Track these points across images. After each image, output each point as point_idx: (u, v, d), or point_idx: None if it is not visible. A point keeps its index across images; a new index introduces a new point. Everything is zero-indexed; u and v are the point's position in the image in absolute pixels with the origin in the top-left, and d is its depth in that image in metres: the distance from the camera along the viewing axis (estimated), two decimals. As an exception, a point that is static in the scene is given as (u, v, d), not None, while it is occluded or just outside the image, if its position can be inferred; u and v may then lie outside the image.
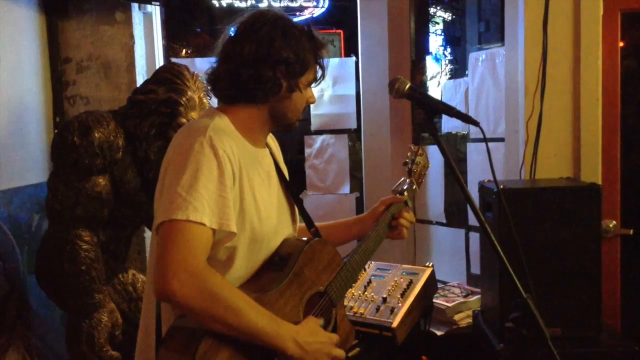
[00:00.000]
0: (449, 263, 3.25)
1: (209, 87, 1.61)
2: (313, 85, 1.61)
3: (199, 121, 1.51)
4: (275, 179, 1.64)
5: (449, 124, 3.36)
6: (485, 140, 1.53)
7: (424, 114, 1.56)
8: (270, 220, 1.54)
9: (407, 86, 1.59)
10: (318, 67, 1.58)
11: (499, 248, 1.43)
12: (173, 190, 1.36)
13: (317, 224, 1.80)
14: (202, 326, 1.35)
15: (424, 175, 2.07)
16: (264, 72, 1.48)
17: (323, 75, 1.61)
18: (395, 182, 2.03)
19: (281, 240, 1.61)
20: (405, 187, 1.95)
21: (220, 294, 1.34)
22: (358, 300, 2.45)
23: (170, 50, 3.63)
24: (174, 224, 1.33)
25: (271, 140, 1.72)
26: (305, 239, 1.66)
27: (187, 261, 1.31)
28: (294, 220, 1.72)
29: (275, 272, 1.54)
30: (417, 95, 1.60)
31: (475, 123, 1.49)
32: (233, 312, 1.34)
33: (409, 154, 2.02)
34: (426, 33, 3.89)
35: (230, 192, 1.40)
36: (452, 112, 1.52)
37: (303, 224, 1.78)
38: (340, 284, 1.67)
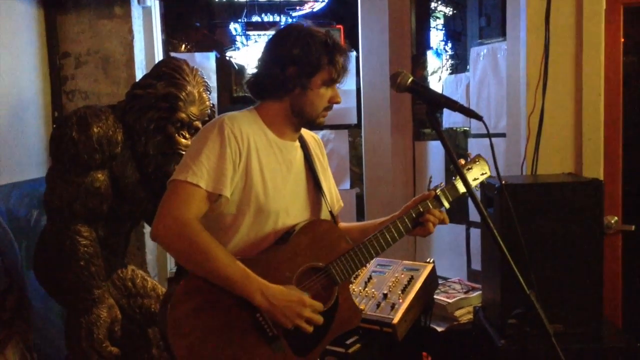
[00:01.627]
0: (450, 259, 3.24)
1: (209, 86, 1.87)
2: (337, 86, 1.78)
3: (227, 112, 1.77)
4: (299, 170, 1.82)
5: (449, 119, 3.34)
6: (488, 135, 1.52)
7: (427, 108, 1.55)
8: (278, 199, 1.73)
9: (410, 80, 1.58)
10: (333, 68, 1.72)
11: (501, 244, 1.42)
12: (183, 160, 1.68)
13: (349, 224, 2.00)
14: (183, 267, 1.63)
15: (475, 181, 1.93)
16: (275, 71, 1.72)
17: (339, 76, 1.76)
18: (395, 177, 2.00)
19: (295, 221, 1.78)
20: (441, 187, 1.87)
21: (198, 241, 1.59)
22: (359, 297, 2.44)
23: (169, 44, 3.61)
24: (175, 182, 1.64)
25: (313, 140, 1.94)
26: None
27: (175, 210, 1.60)
28: (312, 209, 1.85)
29: (277, 244, 1.74)
30: (420, 88, 1.59)
31: (479, 117, 1.48)
32: (206, 257, 1.58)
33: (461, 159, 1.91)
34: (427, 28, 3.88)
35: (231, 164, 1.65)
36: (456, 106, 1.51)
37: (346, 225, 1.97)
38: (345, 265, 1.76)
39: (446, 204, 1.86)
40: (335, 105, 1.81)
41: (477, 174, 1.93)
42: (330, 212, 1.89)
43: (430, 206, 1.83)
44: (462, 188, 1.86)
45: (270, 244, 1.74)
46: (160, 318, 1.74)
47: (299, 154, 1.84)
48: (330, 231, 1.81)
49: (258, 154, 1.71)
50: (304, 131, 1.90)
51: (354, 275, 2.49)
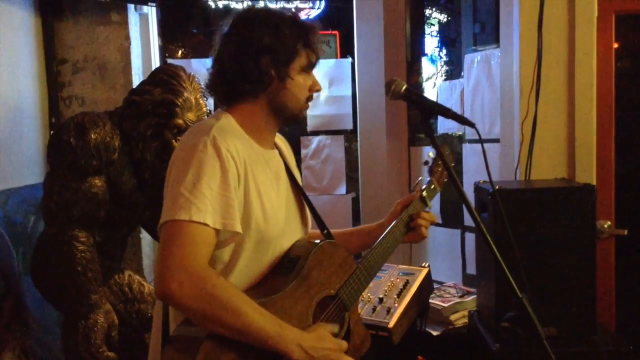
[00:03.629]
0: (445, 263, 3.26)
1: (207, 92, 1.60)
2: (313, 71, 1.57)
3: (205, 122, 1.52)
4: (285, 181, 1.62)
5: (444, 125, 3.37)
6: (481, 141, 1.54)
7: (420, 115, 1.57)
8: (277, 221, 1.52)
9: (404, 87, 1.59)
10: (310, 51, 1.53)
11: (494, 248, 1.44)
12: (176, 191, 1.36)
13: (335, 230, 1.79)
14: (204, 328, 1.33)
15: (446, 175, 1.96)
16: (247, 64, 1.47)
17: (317, 59, 1.56)
18: (391, 183, 2.02)
19: (290, 243, 1.58)
20: (423, 187, 1.90)
21: (220, 295, 1.31)
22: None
23: (166, 51, 3.63)
24: (177, 224, 1.33)
25: (282, 143, 1.72)
26: (316, 241, 1.62)
27: (187, 262, 1.31)
28: (304, 224, 1.69)
29: (283, 275, 1.51)
30: (413, 96, 1.60)
31: (471, 124, 1.50)
32: (233, 314, 1.31)
33: (430, 153, 1.95)
34: (422, 34, 3.90)
35: (234, 192, 1.39)
36: (448, 113, 1.53)
37: (317, 230, 1.74)
38: (353, 287, 1.62)
39: (430, 205, 1.87)
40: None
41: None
42: (318, 217, 1.72)
43: (419, 208, 1.83)
44: (439, 186, 1.93)
45: (269, 273, 1.53)
46: None
47: (280, 163, 1.62)
48: (335, 253, 1.62)
49: (253, 172, 1.47)
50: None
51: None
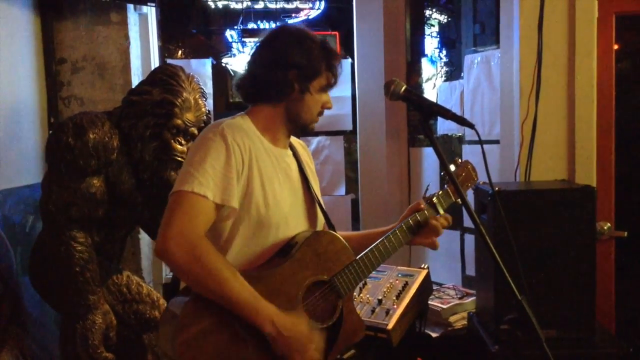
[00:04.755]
0: (444, 265, 3.25)
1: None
2: (329, 91, 1.76)
3: (221, 120, 1.71)
4: (295, 179, 1.79)
5: (444, 126, 3.36)
6: (480, 142, 1.53)
7: (420, 116, 1.56)
8: (278, 210, 1.68)
9: (403, 88, 1.60)
10: (330, 74, 1.73)
11: (493, 250, 1.43)
12: (185, 169, 1.60)
13: (348, 232, 1.94)
14: (191, 289, 1.54)
15: (465, 187, 2.00)
16: (276, 74, 1.68)
17: (335, 82, 1.75)
18: (390, 183, 2.02)
19: (293, 233, 1.73)
20: (435, 195, 1.90)
21: (208, 261, 1.50)
22: (354, 302, 2.45)
23: (165, 51, 3.62)
24: (181, 194, 1.55)
25: (302, 148, 1.92)
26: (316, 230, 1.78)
27: (185, 226, 1.50)
28: (311, 221, 1.82)
29: (280, 258, 1.68)
30: (413, 97, 1.60)
31: (471, 125, 1.50)
32: (216, 279, 1.49)
33: (452, 165, 1.93)
34: (422, 35, 3.90)
35: (236, 174, 1.59)
36: (448, 114, 1.52)
37: (343, 233, 1.87)
38: (348, 277, 1.73)
39: (441, 211, 1.88)
40: (330, 112, 1.82)
41: (467, 181, 1.97)
42: (328, 219, 1.85)
43: (430, 214, 1.85)
44: (453, 195, 1.91)
45: (270, 257, 1.69)
46: (164, 340, 1.66)
47: (293, 162, 1.81)
48: (333, 243, 1.75)
49: (258, 163, 1.66)
50: (293, 139, 1.88)
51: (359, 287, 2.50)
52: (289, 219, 1.72)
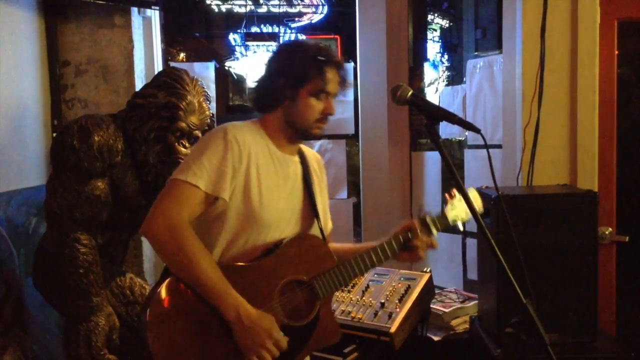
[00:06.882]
0: (446, 269, 3.26)
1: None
2: (330, 97, 1.79)
3: (231, 122, 1.80)
4: (297, 186, 1.84)
5: (446, 130, 3.37)
6: (486, 146, 1.54)
7: (426, 120, 1.57)
8: (272, 209, 1.74)
9: (410, 93, 1.61)
10: (320, 79, 1.75)
11: (499, 254, 1.44)
12: (184, 161, 1.73)
13: (339, 244, 1.97)
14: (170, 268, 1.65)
15: (463, 217, 1.95)
16: (265, 83, 1.81)
17: (327, 87, 1.76)
18: (392, 188, 2.02)
19: (284, 234, 1.79)
20: (431, 215, 1.90)
21: (186, 245, 1.60)
22: (356, 305, 2.46)
23: (168, 54, 3.64)
24: (174, 181, 1.66)
25: (314, 159, 1.95)
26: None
27: (170, 210, 1.62)
28: (305, 227, 1.85)
29: (266, 255, 1.74)
30: (419, 102, 1.61)
31: (477, 130, 1.50)
32: (191, 263, 1.60)
33: (454, 191, 1.93)
34: (424, 39, 3.92)
35: (231, 168, 1.67)
36: (454, 119, 1.53)
37: (336, 245, 1.94)
38: (328, 281, 1.77)
39: (434, 232, 1.89)
40: (333, 116, 1.83)
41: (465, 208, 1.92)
42: (321, 230, 1.88)
43: (418, 232, 1.85)
44: (451, 217, 1.92)
45: (257, 256, 1.74)
46: (141, 312, 1.76)
47: (297, 169, 1.85)
48: (317, 247, 1.81)
49: (258, 163, 1.73)
50: (307, 149, 1.93)
51: (351, 285, 2.51)
52: (282, 222, 1.78)
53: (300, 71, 1.74)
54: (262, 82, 1.83)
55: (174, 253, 1.62)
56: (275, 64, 1.80)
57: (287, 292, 1.73)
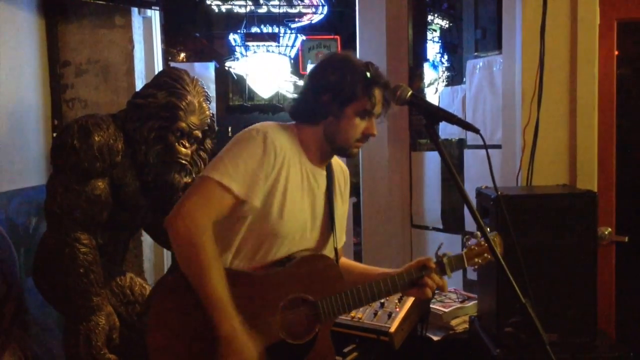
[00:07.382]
0: (446, 269, 3.25)
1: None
2: (373, 117, 1.75)
3: (271, 122, 1.78)
4: (319, 201, 1.81)
5: (445, 131, 3.37)
6: (485, 147, 1.54)
7: (426, 121, 1.57)
8: (292, 221, 1.72)
9: (409, 93, 1.61)
10: (367, 100, 1.71)
11: (498, 254, 1.44)
12: (219, 157, 1.67)
13: (351, 262, 1.98)
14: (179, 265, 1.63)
15: (480, 261, 1.91)
16: (309, 96, 1.76)
17: (374, 109, 1.73)
18: (392, 188, 2.02)
19: (300, 248, 1.77)
20: (448, 256, 1.87)
21: (202, 253, 1.59)
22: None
23: (168, 54, 3.64)
24: (207, 179, 1.63)
25: (341, 173, 1.92)
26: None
27: (197, 210, 1.60)
28: (319, 246, 1.83)
29: (275, 266, 1.73)
30: (419, 102, 1.61)
31: (476, 130, 1.51)
32: (201, 271, 1.59)
33: (476, 232, 1.90)
34: (424, 40, 3.92)
35: (264, 174, 1.65)
36: (454, 119, 1.53)
37: (348, 262, 1.95)
38: (334, 305, 1.74)
39: (449, 273, 1.85)
40: (374, 137, 1.79)
41: (479, 255, 1.90)
42: (335, 249, 1.86)
43: (432, 270, 1.82)
44: (468, 262, 1.88)
45: (268, 264, 1.73)
46: (147, 300, 1.78)
47: (323, 182, 1.83)
48: (329, 269, 1.78)
49: (288, 174, 1.71)
50: (336, 160, 1.89)
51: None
52: (298, 236, 1.75)
53: (348, 90, 1.70)
54: (305, 94, 1.79)
55: (189, 256, 1.61)
56: (322, 78, 1.74)
57: (291, 308, 1.71)
